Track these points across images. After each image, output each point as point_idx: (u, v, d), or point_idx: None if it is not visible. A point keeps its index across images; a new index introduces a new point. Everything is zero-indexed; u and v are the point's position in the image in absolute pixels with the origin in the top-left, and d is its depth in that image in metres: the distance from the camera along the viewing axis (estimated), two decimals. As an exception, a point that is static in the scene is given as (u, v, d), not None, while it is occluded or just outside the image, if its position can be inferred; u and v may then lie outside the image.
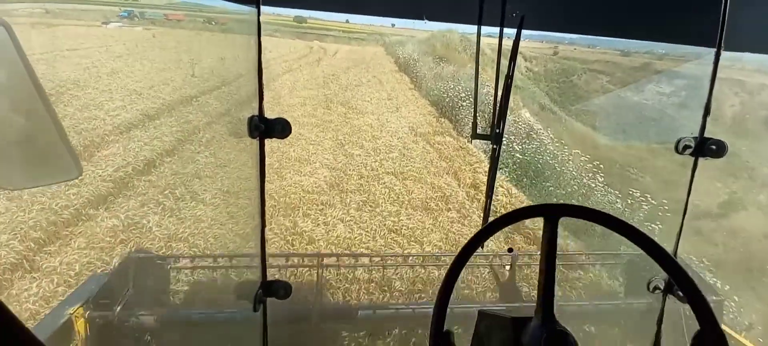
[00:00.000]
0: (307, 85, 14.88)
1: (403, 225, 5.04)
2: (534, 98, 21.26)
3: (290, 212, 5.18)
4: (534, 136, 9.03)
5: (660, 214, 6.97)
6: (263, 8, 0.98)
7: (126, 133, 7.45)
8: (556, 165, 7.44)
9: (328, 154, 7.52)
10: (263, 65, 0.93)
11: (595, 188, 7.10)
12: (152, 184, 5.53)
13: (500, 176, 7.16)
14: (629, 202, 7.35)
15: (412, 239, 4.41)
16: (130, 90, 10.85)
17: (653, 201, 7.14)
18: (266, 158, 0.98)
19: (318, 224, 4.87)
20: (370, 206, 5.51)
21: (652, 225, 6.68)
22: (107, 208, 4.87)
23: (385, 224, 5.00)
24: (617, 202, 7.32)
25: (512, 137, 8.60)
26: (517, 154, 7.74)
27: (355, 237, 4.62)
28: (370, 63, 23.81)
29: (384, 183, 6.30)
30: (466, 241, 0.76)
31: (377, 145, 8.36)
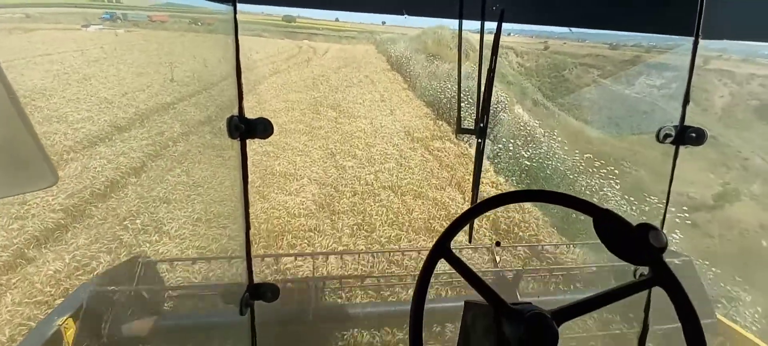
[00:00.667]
0: (295, 87, 14.06)
1: (405, 255, 4.36)
2: (526, 94, 20.91)
3: (273, 241, 4.48)
4: (540, 139, 8.40)
5: (679, 222, 6.50)
6: (251, 7, 0.85)
7: (89, 148, 6.65)
8: (567, 173, 6.82)
9: (317, 167, 6.80)
10: (249, 68, 0.69)
11: (612, 197, 6.50)
12: (111, 212, 4.76)
13: (509, 187, 6.53)
14: (646, 208, 6.81)
15: (416, 272, 3.74)
16: (101, 98, 10.00)
17: (672, 209, 6.63)
18: (248, 173, 0.94)
19: (305, 258, 4.16)
20: (366, 231, 4.82)
21: (671, 235, 6.23)
22: (53, 246, 4.11)
23: (383, 254, 4.31)
24: (632, 210, 6.79)
25: (518, 142, 7.96)
26: (525, 161, 7.10)
27: (349, 272, 3.93)
28: (361, 62, 23.06)
29: (380, 201, 5.60)
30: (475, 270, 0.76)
31: (371, 154, 7.66)
